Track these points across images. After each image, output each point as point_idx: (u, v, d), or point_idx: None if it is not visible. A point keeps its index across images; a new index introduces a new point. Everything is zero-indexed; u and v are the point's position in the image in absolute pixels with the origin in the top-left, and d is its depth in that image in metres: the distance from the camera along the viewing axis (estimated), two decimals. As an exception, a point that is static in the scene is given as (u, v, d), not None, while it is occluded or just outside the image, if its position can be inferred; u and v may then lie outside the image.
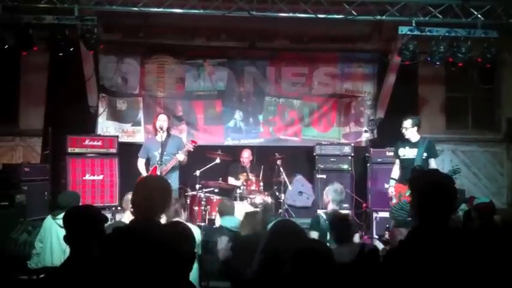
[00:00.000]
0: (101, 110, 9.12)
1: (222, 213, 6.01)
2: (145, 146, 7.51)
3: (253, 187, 7.93)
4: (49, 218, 5.23)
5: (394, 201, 6.79)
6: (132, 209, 3.25)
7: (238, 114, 9.46)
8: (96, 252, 2.64)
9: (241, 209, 7.01)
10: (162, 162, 6.91)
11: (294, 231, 3.09)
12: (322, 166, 8.64)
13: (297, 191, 8.34)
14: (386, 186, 7.39)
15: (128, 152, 8.19)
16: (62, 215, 4.94)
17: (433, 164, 6.80)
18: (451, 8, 7.48)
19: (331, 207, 5.49)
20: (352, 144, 8.98)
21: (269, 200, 7.80)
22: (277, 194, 8.14)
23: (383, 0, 7.54)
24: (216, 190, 8.15)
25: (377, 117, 9.27)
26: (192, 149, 7.26)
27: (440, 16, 7.52)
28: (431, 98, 9.70)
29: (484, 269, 2.32)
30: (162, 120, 7.14)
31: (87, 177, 7.96)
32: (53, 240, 5.03)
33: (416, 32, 7.57)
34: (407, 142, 6.93)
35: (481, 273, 2.29)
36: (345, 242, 4.36)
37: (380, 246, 6.73)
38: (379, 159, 8.32)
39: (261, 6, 7.48)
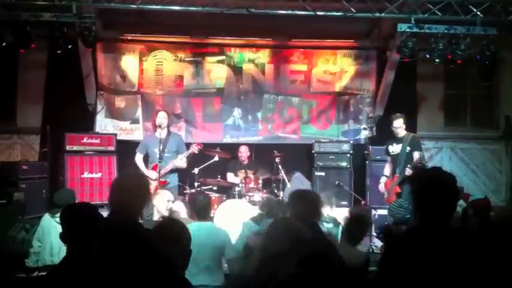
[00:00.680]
0: (99, 107, 9.09)
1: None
2: (144, 142, 7.55)
3: (251, 185, 7.91)
4: (47, 216, 5.22)
5: (386, 196, 7.20)
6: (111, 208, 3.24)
7: (237, 112, 9.44)
8: (93, 249, 2.63)
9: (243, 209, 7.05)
10: (163, 160, 6.95)
11: (292, 231, 3.06)
12: (321, 163, 8.64)
13: (296, 188, 8.30)
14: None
15: (127, 149, 8.19)
16: (59, 213, 4.96)
17: (416, 156, 7.00)
18: (450, 5, 7.47)
19: (326, 211, 5.46)
20: (351, 142, 8.98)
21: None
22: (275, 191, 8.12)
23: (382, -3, 7.54)
24: (215, 188, 8.16)
25: (376, 114, 9.26)
26: (197, 152, 7.30)
27: (439, 13, 7.51)
28: (430, 95, 9.69)
29: (483, 267, 2.30)
30: (162, 118, 7.18)
31: (86, 175, 7.96)
32: (52, 239, 5.02)
33: (415, 29, 7.58)
34: (394, 139, 7.30)
35: (480, 272, 2.28)
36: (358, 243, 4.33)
37: (379, 243, 6.75)
38: (378, 157, 8.30)
39: (259, 4, 7.46)
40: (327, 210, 5.47)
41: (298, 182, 8.41)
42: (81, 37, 7.42)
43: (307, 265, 2.38)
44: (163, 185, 6.85)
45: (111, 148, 8.26)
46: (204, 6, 7.49)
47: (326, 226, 5.27)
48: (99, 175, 8.03)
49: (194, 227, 4.14)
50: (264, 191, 7.93)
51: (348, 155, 8.76)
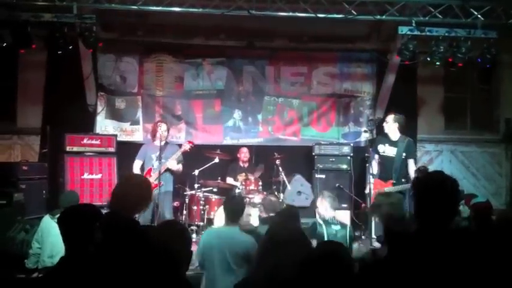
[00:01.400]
0: (99, 108, 9.09)
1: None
2: (144, 149, 7.64)
3: (252, 187, 7.91)
4: (47, 217, 5.21)
5: (372, 197, 6.91)
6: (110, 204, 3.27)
7: (237, 114, 9.44)
8: (92, 246, 2.62)
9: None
10: (160, 163, 7.01)
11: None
12: (321, 166, 8.62)
13: (295, 190, 8.31)
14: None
15: (127, 151, 8.18)
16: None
17: (411, 164, 6.98)
18: (451, 8, 7.48)
19: (329, 214, 5.43)
20: (351, 144, 8.97)
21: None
22: (276, 193, 8.11)
23: (383, -1, 7.55)
24: (215, 190, 8.15)
25: (376, 117, 9.25)
26: (188, 150, 7.33)
27: (440, 16, 7.51)
28: (430, 98, 9.70)
29: (485, 271, 2.29)
30: (163, 131, 7.33)
31: (86, 176, 7.93)
32: (52, 240, 5.01)
33: (416, 32, 7.57)
34: (387, 139, 7.10)
35: (481, 276, 2.27)
36: None
37: (378, 246, 6.72)
38: (378, 160, 8.28)
39: (260, 5, 7.45)
40: (332, 213, 5.44)
41: (298, 184, 8.41)
42: (81, 38, 7.40)
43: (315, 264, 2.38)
44: (156, 187, 6.83)
45: (111, 149, 8.23)
46: (204, 8, 7.48)
47: (334, 228, 5.24)
48: (99, 176, 8.00)
49: None
50: (265, 193, 7.92)
51: (348, 157, 8.73)
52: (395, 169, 6.91)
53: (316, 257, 2.43)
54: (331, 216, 5.40)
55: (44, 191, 7.61)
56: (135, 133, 9.19)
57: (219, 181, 8.11)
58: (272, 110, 9.50)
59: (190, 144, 7.41)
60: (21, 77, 9.06)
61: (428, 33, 7.61)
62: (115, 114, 9.17)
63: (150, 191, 3.49)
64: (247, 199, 7.70)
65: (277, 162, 8.06)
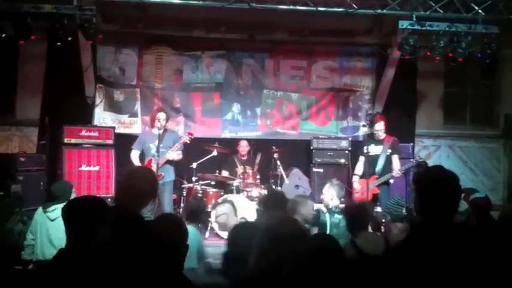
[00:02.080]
0: (98, 100, 9.07)
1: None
2: (141, 138, 7.57)
3: (249, 180, 7.91)
4: (40, 210, 5.19)
5: (358, 195, 7.28)
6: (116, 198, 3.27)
7: (236, 107, 9.42)
8: (93, 243, 2.61)
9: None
10: (158, 155, 6.96)
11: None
12: (319, 160, 8.63)
13: (293, 184, 8.31)
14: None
15: (125, 143, 8.14)
16: (52, 207, 4.96)
17: (395, 159, 7.34)
18: (452, 3, 7.43)
19: (334, 203, 5.44)
20: (350, 139, 8.98)
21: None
22: (273, 187, 8.12)
23: (384, -6, 7.51)
24: (213, 183, 8.16)
25: (375, 111, 9.24)
26: (188, 141, 7.31)
27: (441, 11, 7.47)
28: (430, 93, 9.68)
29: (487, 266, 2.29)
30: (162, 120, 7.24)
31: (84, 167, 7.93)
32: (42, 234, 5.02)
33: (416, 27, 7.55)
34: (373, 140, 7.49)
35: (484, 271, 2.27)
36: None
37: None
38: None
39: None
40: (337, 201, 5.45)
41: (296, 178, 8.42)
42: (81, 29, 7.37)
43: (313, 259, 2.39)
44: (157, 179, 6.80)
45: (110, 141, 8.23)
46: (204, 0, 7.44)
47: (337, 217, 5.24)
48: (97, 168, 8.00)
49: None
50: (262, 186, 7.93)
51: (347, 151, 8.75)
52: (378, 164, 7.27)
53: (307, 255, 2.46)
54: (336, 204, 5.41)
55: (41, 183, 7.59)
56: (134, 125, 9.17)
57: (217, 174, 8.11)
58: (271, 104, 9.48)
59: (190, 136, 7.38)
60: (21, 69, 9.04)
61: (428, 28, 7.59)
62: (113, 107, 9.15)
63: (156, 184, 3.48)
64: (245, 192, 7.73)
65: (276, 155, 8.06)
